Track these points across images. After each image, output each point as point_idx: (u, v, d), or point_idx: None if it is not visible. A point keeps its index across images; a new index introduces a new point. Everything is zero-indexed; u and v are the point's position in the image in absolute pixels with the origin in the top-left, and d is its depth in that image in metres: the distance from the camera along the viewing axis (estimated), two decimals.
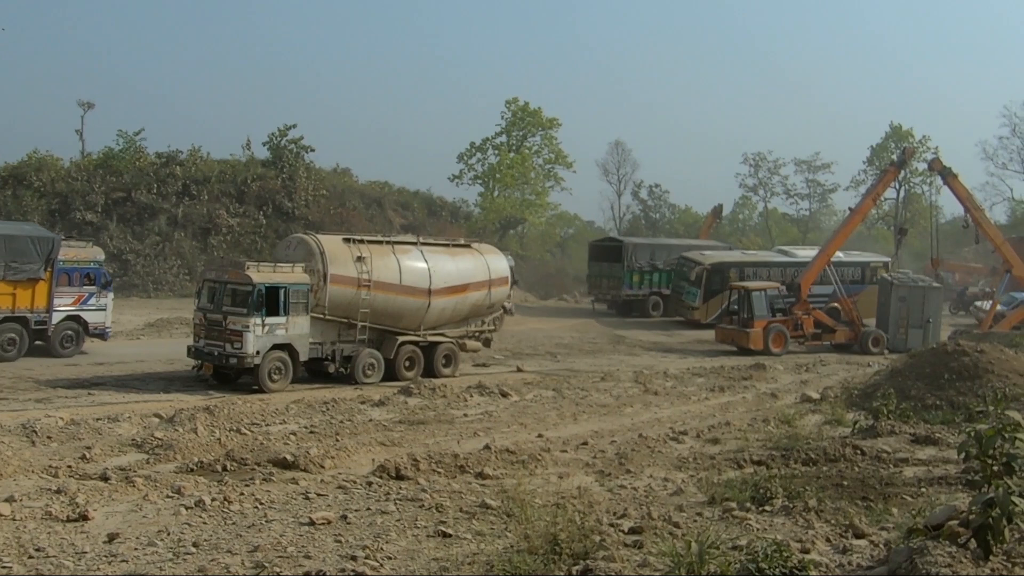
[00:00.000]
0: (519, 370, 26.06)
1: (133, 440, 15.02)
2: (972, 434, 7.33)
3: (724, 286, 37.06)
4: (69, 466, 13.09)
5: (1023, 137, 74.85)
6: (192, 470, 13.08)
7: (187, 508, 10.85)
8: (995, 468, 7.08)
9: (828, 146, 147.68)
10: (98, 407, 18.10)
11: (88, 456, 13.75)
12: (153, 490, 11.70)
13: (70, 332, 24.78)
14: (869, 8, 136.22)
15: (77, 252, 25.55)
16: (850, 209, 37.76)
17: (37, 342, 24.34)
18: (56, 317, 24.35)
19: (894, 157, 48.87)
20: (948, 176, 35.56)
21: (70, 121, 63.15)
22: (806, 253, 40.82)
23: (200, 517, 10.54)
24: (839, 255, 38.60)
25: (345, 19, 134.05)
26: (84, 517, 10.34)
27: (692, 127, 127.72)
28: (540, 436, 16.73)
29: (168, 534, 9.87)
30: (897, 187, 64.01)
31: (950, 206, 62.83)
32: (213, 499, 11.17)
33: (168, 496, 11.48)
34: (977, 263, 56.83)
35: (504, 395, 20.89)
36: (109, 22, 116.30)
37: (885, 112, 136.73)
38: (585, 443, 16.11)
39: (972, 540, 6.88)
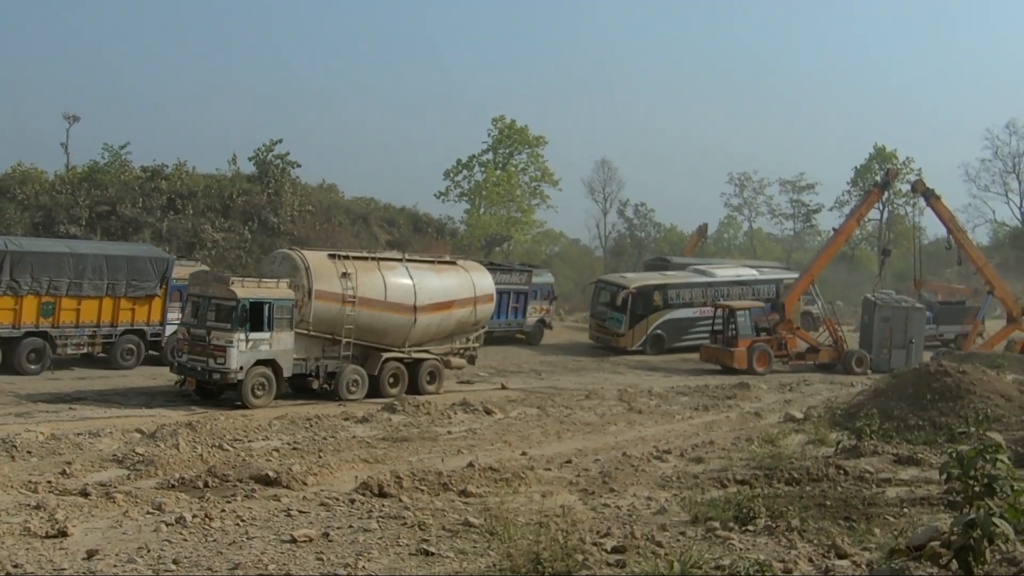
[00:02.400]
0: (503, 387, 26.02)
1: (114, 455, 14.91)
2: (954, 455, 7.36)
3: (649, 310, 36.54)
4: (49, 481, 12.98)
5: (1005, 160, 75.58)
6: (173, 486, 12.98)
7: (167, 525, 10.76)
8: (976, 489, 7.12)
9: (813, 167, 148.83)
10: (79, 422, 17.97)
11: (68, 471, 13.63)
12: (133, 506, 11.61)
13: None
14: (854, 30, 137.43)
15: (188, 271, 26.68)
16: (834, 229, 38.08)
17: (151, 352, 26.52)
18: (169, 330, 26.31)
19: (878, 178, 49.17)
20: (931, 198, 35.92)
21: (55, 134, 62.95)
22: (726, 272, 40.26)
23: (180, 534, 10.45)
24: (755, 273, 39.04)
25: (334, 36, 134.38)
26: (63, 533, 10.24)
27: (678, 146, 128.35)
28: (524, 454, 16.70)
29: (148, 551, 9.78)
30: (881, 208, 64.45)
31: (933, 227, 63.15)
32: (194, 516, 11.08)
33: (148, 512, 11.38)
34: (960, 284, 57.18)
35: (488, 412, 20.85)
36: (96, 35, 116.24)
37: (869, 133, 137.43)
38: (569, 461, 16.08)
39: (953, 561, 6.91)
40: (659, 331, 36.77)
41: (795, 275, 39.93)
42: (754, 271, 40.09)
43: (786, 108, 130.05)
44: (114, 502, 11.75)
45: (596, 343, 37.50)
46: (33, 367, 23.87)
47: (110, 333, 25.49)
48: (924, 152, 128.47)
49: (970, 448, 7.25)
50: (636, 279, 38.52)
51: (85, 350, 25.28)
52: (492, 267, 34.95)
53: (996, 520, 6.68)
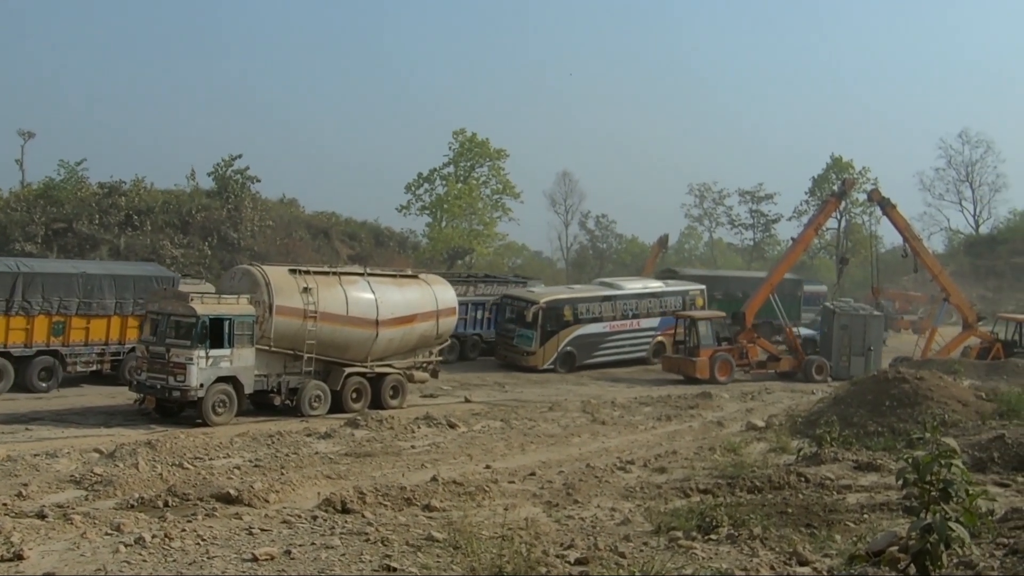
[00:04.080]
0: (467, 401, 25.98)
1: (72, 476, 14.67)
2: (910, 461, 7.45)
3: (560, 326, 34.69)
4: (4, 503, 12.72)
5: (958, 168, 77.11)
6: (132, 506, 12.79)
7: (126, 546, 10.57)
8: (932, 494, 7.20)
9: (771, 177, 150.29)
10: (36, 442, 17.68)
11: (24, 493, 13.38)
12: (91, 528, 11.40)
13: None
14: (811, 42, 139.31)
15: (192, 288, 26.42)
16: (793, 239, 38.58)
17: None
18: None
19: (835, 188, 49.95)
20: (887, 207, 36.45)
21: (10, 151, 62.19)
22: (632, 286, 38.97)
23: (140, 555, 10.28)
24: (661, 285, 39.04)
25: (292, 50, 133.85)
26: (19, 556, 10.02)
27: (638, 157, 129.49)
28: (488, 467, 16.67)
29: (106, 573, 9.62)
30: (838, 217, 65.02)
31: (890, 236, 64.02)
32: (154, 536, 10.90)
33: (107, 534, 11.18)
34: (916, 291, 58.04)
35: (452, 426, 20.80)
36: (52, 50, 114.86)
37: (826, 144, 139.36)
38: (533, 474, 16.07)
39: (911, 565, 6.99)
40: (569, 348, 34.91)
41: (700, 287, 39.91)
42: (661, 284, 39.51)
43: (744, 119, 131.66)
44: (72, 524, 11.53)
45: (503, 362, 35.13)
46: (44, 385, 24.35)
47: (118, 351, 25.89)
48: (880, 162, 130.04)
49: (926, 454, 7.34)
50: (545, 293, 36.66)
51: (94, 368, 25.73)
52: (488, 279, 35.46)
53: (952, 524, 6.77)
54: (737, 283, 45.48)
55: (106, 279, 25.63)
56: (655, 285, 39.50)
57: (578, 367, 34.89)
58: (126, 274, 26.72)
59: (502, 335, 35.63)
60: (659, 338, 37.04)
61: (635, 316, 36.84)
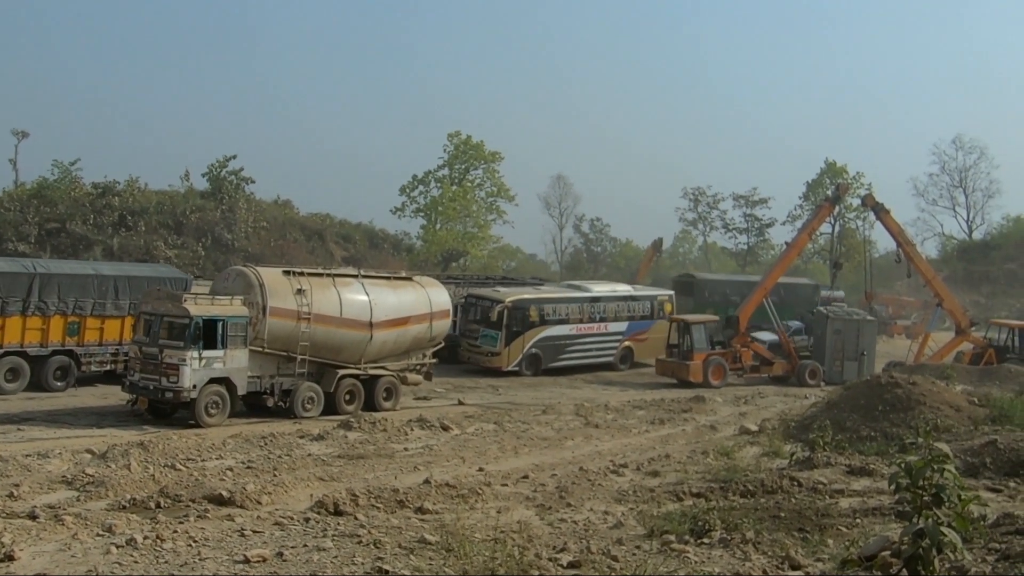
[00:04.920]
0: (460, 403, 25.94)
1: (63, 477, 14.63)
2: (903, 466, 7.46)
3: (526, 326, 33.56)
4: None
5: (952, 174, 77.31)
6: (124, 507, 12.77)
7: (118, 547, 10.56)
8: (925, 499, 7.21)
9: (765, 181, 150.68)
10: (27, 443, 17.63)
11: (16, 494, 13.34)
12: (83, 528, 11.38)
13: None
14: (806, 48, 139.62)
15: (204, 290, 26.40)
16: (787, 243, 38.53)
17: None
18: None
19: (829, 193, 49.97)
20: (881, 212, 36.55)
21: (3, 150, 62.05)
22: (601, 288, 38.06)
23: (131, 556, 10.26)
24: (629, 289, 38.68)
25: (287, 51, 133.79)
26: (10, 557, 10.01)
27: (633, 161, 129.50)
28: (481, 470, 16.66)
29: (97, 574, 9.60)
30: (832, 222, 65.15)
31: (883, 241, 64.22)
32: (145, 537, 10.88)
33: (98, 535, 11.17)
34: (909, 296, 58.13)
35: (445, 429, 20.78)
36: (46, 50, 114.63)
37: (820, 148, 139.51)
38: (526, 476, 16.06)
39: (903, 570, 6.99)
40: (535, 350, 33.80)
41: (669, 292, 39.70)
42: (630, 288, 39.00)
43: (739, 124, 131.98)
44: (63, 524, 11.51)
45: (467, 363, 33.84)
46: (59, 384, 24.65)
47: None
48: (874, 167, 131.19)
49: (918, 459, 7.35)
50: (511, 293, 35.05)
51: (108, 367, 25.82)
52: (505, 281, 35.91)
53: (944, 529, 6.78)
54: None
55: (120, 280, 26.01)
56: (623, 289, 38.85)
57: (544, 370, 33.91)
58: (140, 275, 27.11)
59: (467, 336, 34.21)
60: (626, 343, 36.34)
61: (603, 319, 35.90)
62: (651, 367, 35.45)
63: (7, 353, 23.85)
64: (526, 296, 34.98)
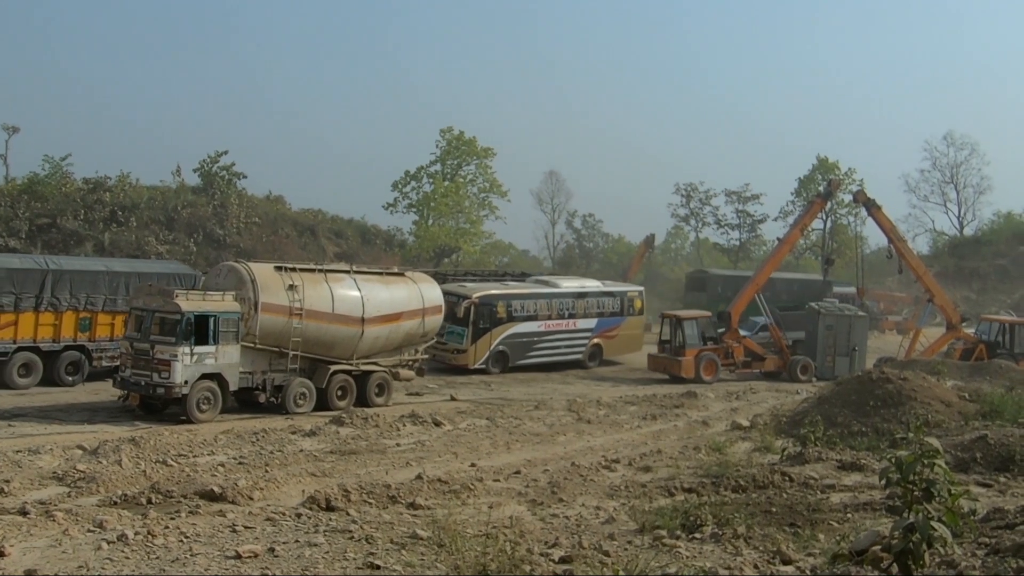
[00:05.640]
0: (453, 399, 25.97)
1: (54, 473, 14.61)
2: (893, 461, 7.47)
3: (493, 323, 32.91)
4: None
5: (943, 170, 77.53)
6: (115, 503, 12.75)
7: (109, 543, 10.52)
8: (915, 493, 7.22)
9: (758, 177, 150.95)
10: (18, 439, 17.60)
11: (6, 490, 13.31)
12: (74, 524, 11.34)
13: None
14: (798, 44, 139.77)
15: None
16: (779, 239, 38.66)
17: None
18: None
19: (821, 189, 50.03)
20: (872, 208, 36.64)
21: None
22: (569, 284, 37.51)
23: (122, 552, 10.23)
24: (599, 285, 38.35)
25: (279, 46, 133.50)
26: (0, 553, 9.98)
27: (626, 157, 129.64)
28: (473, 465, 16.66)
29: (88, 570, 9.57)
30: (824, 218, 65.28)
31: (875, 237, 64.41)
32: (136, 533, 10.85)
33: (89, 530, 11.13)
34: (901, 292, 58.28)
35: (437, 424, 20.78)
36: (37, 44, 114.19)
37: (812, 144, 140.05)
38: (518, 472, 16.07)
39: (894, 565, 7.01)
40: (502, 347, 33.21)
41: (639, 288, 39.51)
42: (599, 284, 38.58)
43: (731, 119, 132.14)
44: (54, 520, 11.46)
45: (432, 361, 31.18)
46: (71, 379, 25.12)
47: None
48: (865, 163, 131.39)
49: (909, 454, 7.36)
50: (477, 288, 34.36)
51: (119, 363, 25.61)
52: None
53: (934, 524, 6.79)
54: (784, 284, 45.40)
55: (131, 277, 26.36)
56: (593, 285, 38.32)
57: (511, 368, 33.39)
58: (150, 272, 27.40)
59: None
60: (595, 340, 35.94)
61: (572, 316, 35.38)
62: (619, 364, 35.81)
63: (20, 348, 24.23)
64: (493, 292, 34.29)
